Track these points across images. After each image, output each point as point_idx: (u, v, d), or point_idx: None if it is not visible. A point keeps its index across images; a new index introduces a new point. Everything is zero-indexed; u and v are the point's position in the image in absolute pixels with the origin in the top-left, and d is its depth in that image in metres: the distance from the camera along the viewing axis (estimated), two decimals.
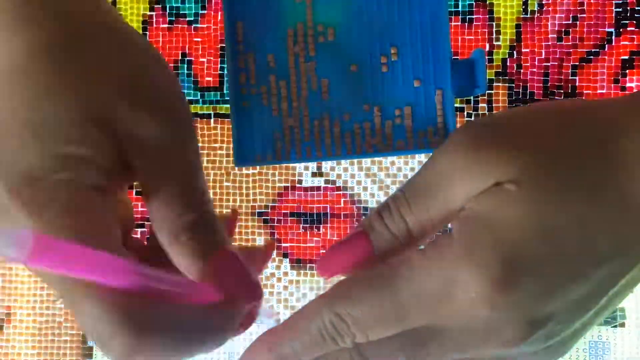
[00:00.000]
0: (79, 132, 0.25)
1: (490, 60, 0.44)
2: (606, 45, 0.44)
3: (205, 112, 0.45)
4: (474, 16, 0.44)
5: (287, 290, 0.45)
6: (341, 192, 0.45)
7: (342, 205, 0.45)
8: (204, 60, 0.45)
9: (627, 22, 0.44)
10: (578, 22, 0.44)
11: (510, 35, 0.44)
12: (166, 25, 0.45)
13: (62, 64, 0.25)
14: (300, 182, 0.45)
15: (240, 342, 0.44)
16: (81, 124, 0.25)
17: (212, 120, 0.45)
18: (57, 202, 0.24)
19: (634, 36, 0.44)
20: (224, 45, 0.45)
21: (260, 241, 0.45)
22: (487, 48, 0.44)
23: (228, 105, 0.43)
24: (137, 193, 0.44)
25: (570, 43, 0.44)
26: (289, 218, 0.45)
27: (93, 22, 0.26)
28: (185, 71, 0.45)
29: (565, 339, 0.27)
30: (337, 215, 0.45)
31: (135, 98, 0.26)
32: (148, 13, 0.45)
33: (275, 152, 0.35)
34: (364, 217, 0.45)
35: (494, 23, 0.44)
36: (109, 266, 0.22)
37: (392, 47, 0.35)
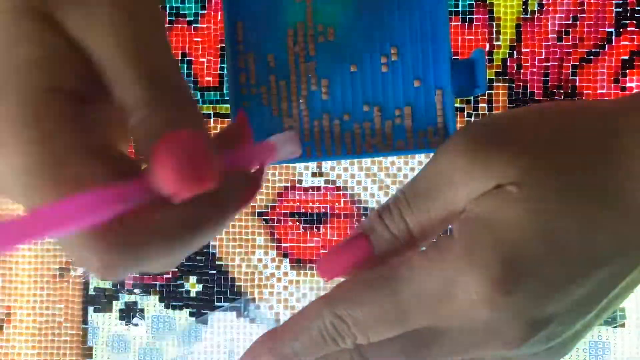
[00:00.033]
0: (23, 30, 0.22)
1: (490, 60, 0.44)
2: (606, 45, 0.44)
3: (205, 112, 0.45)
4: (474, 16, 0.44)
5: (287, 290, 0.45)
6: (341, 192, 0.45)
7: (342, 205, 0.45)
8: (204, 60, 0.45)
9: (627, 22, 0.44)
10: (578, 22, 0.44)
11: (510, 35, 0.44)
12: (166, 25, 0.45)
13: None
14: (300, 182, 0.45)
15: (240, 342, 0.44)
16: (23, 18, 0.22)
17: (212, 120, 0.45)
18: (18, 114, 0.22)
19: (634, 36, 0.44)
20: (224, 45, 0.45)
21: (260, 241, 0.45)
22: (487, 48, 0.44)
23: (228, 105, 0.43)
24: None
25: (570, 43, 0.44)
26: (289, 218, 0.45)
27: None
28: (185, 71, 0.45)
29: (566, 340, 0.27)
30: (337, 215, 0.45)
31: None
32: None
33: None
34: (364, 217, 0.45)
35: (494, 23, 0.44)
36: (72, 214, 0.21)
37: (392, 47, 0.35)
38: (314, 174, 0.45)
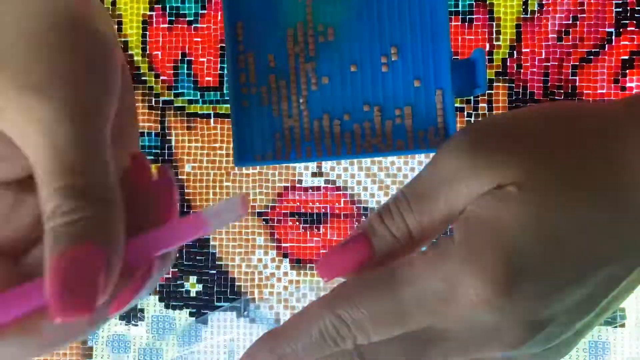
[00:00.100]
0: None
1: (490, 60, 0.44)
2: (606, 45, 0.44)
3: (205, 112, 0.45)
4: (474, 16, 0.44)
5: (287, 290, 0.45)
6: (341, 192, 0.45)
7: (342, 205, 0.45)
8: (204, 60, 0.45)
9: (627, 22, 0.44)
10: (578, 22, 0.44)
11: (510, 35, 0.44)
12: (166, 25, 0.45)
13: None
14: (300, 182, 0.45)
15: (240, 342, 0.44)
16: None
17: (212, 120, 0.45)
18: None
19: (634, 36, 0.44)
20: (224, 45, 0.45)
21: (260, 241, 0.45)
22: (487, 48, 0.44)
23: (228, 105, 0.43)
24: None
25: (570, 43, 0.44)
26: (289, 218, 0.45)
27: None
28: (185, 71, 0.45)
29: (566, 340, 0.27)
30: (337, 215, 0.45)
31: None
32: (148, 13, 0.45)
33: (275, 152, 0.35)
34: (364, 217, 0.45)
35: (494, 23, 0.44)
36: None
37: (392, 47, 0.35)
38: (314, 174, 0.45)
